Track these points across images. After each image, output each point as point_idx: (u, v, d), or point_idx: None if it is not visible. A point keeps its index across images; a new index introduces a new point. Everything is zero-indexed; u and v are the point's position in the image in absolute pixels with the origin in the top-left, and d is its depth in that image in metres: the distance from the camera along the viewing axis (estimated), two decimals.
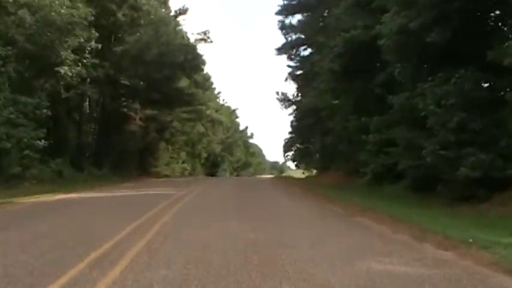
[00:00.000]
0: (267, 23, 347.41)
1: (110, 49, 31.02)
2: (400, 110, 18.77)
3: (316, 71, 36.21)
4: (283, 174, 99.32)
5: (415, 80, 17.08)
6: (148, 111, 47.37)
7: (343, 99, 28.83)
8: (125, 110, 39.89)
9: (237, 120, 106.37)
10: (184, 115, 51.08)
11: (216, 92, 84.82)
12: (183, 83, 43.76)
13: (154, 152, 52.38)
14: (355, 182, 26.42)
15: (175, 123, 53.02)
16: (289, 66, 49.23)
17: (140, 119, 47.05)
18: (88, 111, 33.63)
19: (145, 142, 49.20)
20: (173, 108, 42.46)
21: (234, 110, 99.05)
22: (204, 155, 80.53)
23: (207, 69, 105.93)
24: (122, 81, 34.11)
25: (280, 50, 44.85)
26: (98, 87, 32.50)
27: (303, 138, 54.24)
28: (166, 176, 49.18)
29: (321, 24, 40.58)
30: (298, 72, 49.33)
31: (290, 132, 62.93)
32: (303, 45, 43.94)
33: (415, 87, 16.74)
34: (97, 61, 29.59)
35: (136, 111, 41.30)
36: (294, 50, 47.04)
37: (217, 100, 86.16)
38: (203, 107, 57.81)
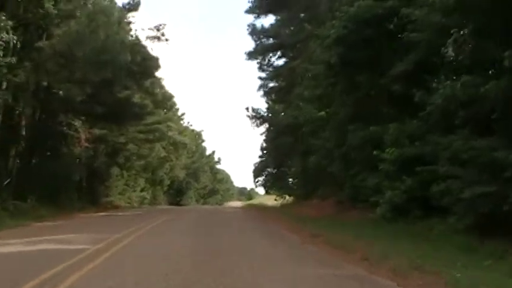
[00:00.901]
0: (234, 40, 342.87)
1: (34, 47, 23.93)
2: (442, 108, 12.24)
3: (299, 74, 29.89)
4: (253, 202, 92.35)
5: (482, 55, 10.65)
6: (97, 131, 39.98)
7: (338, 105, 22.28)
8: (63, 128, 32.47)
9: (203, 144, 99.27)
10: (141, 135, 43.84)
11: (179, 113, 77.83)
12: (138, 98, 36.85)
13: (106, 179, 44.77)
14: (357, 215, 19.79)
15: (131, 146, 45.66)
16: (260, 78, 42.87)
17: (87, 140, 39.62)
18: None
19: (93, 167, 41.69)
20: (122, 124, 35.05)
21: (199, 133, 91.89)
22: (167, 181, 72.78)
23: (168, 87, 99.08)
24: (54, 90, 26.96)
25: (252, 55, 38.36)
26: (20, 96, 25.25)
27: (277, 160, 47.69)
28: (116, 207, 41.57)
29: (297, 27, 34.47)
30: (271, 85, 42.99)
31: (261, 156, 56.75)
32: (278, 49, 37.55)
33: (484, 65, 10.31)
34: (14, 60, 22.47)
35: (77, 129, 33.80)
36: (266, 60, 40.75)
37: (181, 122, 79.17)
38: (162, 126, 50.83)
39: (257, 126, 45.50)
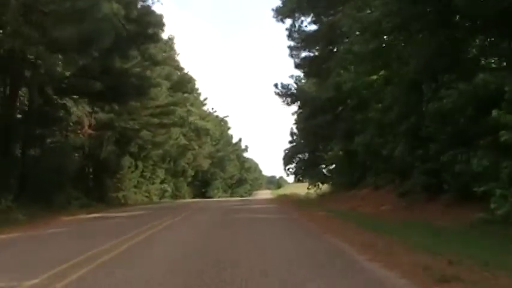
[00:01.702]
0: (257, 25, 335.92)
1: None
2: None
3: (340, 34, 23.38)
4: (284, 191, 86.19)
5: None
6: (101, 116, 34.35)
7: (405, 58, 15.86)
8: (53, 109, 26.63)
9: (229, 132, 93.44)
10: (155, 120, 37.97)
11: (202, 98, 71.91)
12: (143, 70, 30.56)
13: (116, 171, 39.07)
14: (446, 213, 13.49)
15: (144, 132, 39.83)
16: (290, 47, 36.31)
17: (90, 126, 34.01)
18: None
19: (100, 158, 36.08)
20: (122, 102, 28.78)
21: (224, 119, 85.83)
22: (191, 172, 66.85)
23: (191, 72, 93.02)
24: (30, 58, 21.14)
25: (280, 13, 31.73)
26: None
27: (312, 144, 41.46)
28: (125, 204, 35.89)
29: None
30: (304, 55, 36.45)
31: (291, 141, 50.80)
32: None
33: None
34: None
35: (68, 110, 27.74)
36: (297, 25, 34.25)
37: (205, 108, 73.31)
38: (181, 111, 44.97)
39: (287, 105, 39.10)
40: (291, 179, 77.07)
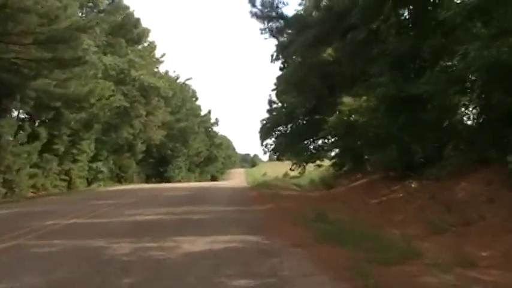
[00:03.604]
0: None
1: None
2: None
3: None
4: (258, 171, 72.70)
5: None
6: None
7: None
8: None
9: (198, 104, 79.84)
10: (46, 55, 22.43)
11: (159, 54, 55.97)
12: None
13: None
14: None
15: (42, 81, 24.30)
16: None
17: None
18: None
19: None
20: None
21: (186, 83, 70.34)
22: (141, 147, 50.45)
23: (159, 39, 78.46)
24: None
25: None
26: None
27: (313, 97, 26.79)
28: None
29: None
30: None
31: (269, 110, 39.40)
32: None
33: None
34: None
35: None
36: None
37: (161, 68, 57.80)
38: (121, 59, 29.65)
39: (271, 34, 23.94)
40: (266, 157, 67.27)
